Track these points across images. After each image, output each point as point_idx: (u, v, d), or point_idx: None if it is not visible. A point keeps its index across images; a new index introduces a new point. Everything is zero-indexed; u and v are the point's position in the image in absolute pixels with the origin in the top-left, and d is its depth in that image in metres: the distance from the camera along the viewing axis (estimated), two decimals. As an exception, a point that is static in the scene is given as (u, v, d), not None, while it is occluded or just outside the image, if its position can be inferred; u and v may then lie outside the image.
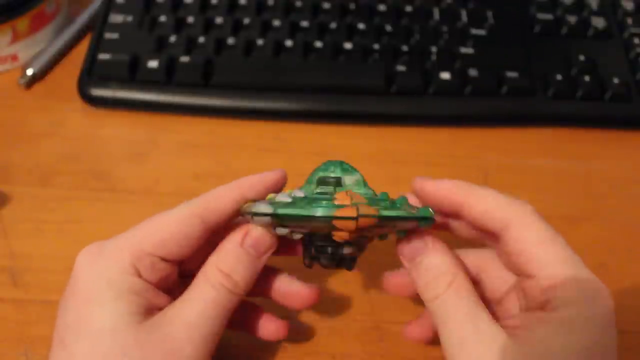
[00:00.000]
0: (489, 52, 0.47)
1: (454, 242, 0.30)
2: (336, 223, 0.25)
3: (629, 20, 0.50)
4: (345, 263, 0.29)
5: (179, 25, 0.47)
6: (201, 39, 0.46)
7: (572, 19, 0.49)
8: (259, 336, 0.32)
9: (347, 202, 0.25)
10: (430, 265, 0.28)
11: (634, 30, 0.49)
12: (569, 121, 0.46)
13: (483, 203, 0.28)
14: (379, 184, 0.40)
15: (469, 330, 0.26)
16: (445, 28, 0.48)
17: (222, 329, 0.28)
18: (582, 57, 0.47)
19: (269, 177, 0.29)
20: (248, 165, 0.43)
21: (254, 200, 0.28)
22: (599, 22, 0.50)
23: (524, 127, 0.46)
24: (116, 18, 0.47)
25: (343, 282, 0.37)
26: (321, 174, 0.28)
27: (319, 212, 0.25)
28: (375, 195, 0.28)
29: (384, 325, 0.35)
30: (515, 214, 0.27)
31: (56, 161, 0.42)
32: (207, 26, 0.47)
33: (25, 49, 0.47)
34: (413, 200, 0.30)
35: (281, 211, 0.25)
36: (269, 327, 0.32)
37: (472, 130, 0.45)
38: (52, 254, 0.37)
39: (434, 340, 0.31)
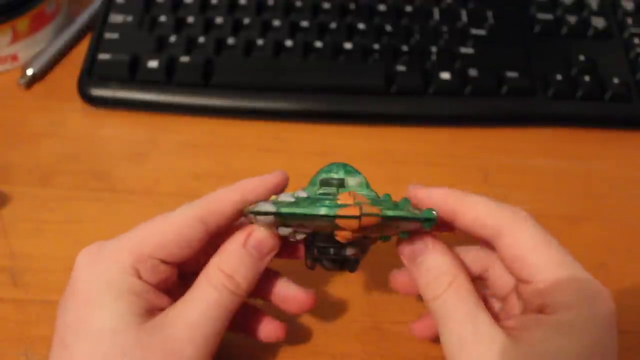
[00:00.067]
0: (489, 52, 0.47)
1: (462, 238, 0.30)
2: (339, 222, 0.25)
3: (629, 20, 0.50)
4: (348, 265, 0.29)
5: (179, 25, 0.47)
6: (201, 39, 0.46)
7: (572, 19, 0.50)
8: (256, 337, 0.32)
9: (350, 202, 0.25)
10: (430, 265, 0.28)
11: (634, 30, 0.49)
12: (569, 121, 0.46)
13: (474, 211, 0.28)
14: (379, 184, 0.40)
15: (468, 330, 0.26)
16: (445, 28, 0.48)
17: (224, 330, 0.28)
18: (582, 57, 0.47)
19: (270, 179, 0.29)
20: (248, 165, 0.43)
21: (257, 202, 0.28)
22: (599, 22, 0.50)
23: (524, 127, 0.46)
24: (116, 18, 0.47)
25: (343, 283, 0.37)
26: (324, 175, 0.28)
27: (322, 211, 0.25)
28: (378, 197, 0.28)
29: (384, 325, 0.35)
30: (506, 220, 0.27)
31: (56, 161, 0.42)
32: (207, 26, 0.47)
33: (25, 49, 0.47)
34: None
35: (284, 210, 0.25)
36: (266, 328, 0.32)
37: (472, 130, 0.45)
38: (52, 254, 0.37)
39: (439, 339, 0.31)
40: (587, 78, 0.46)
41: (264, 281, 0.31)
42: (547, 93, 0.46)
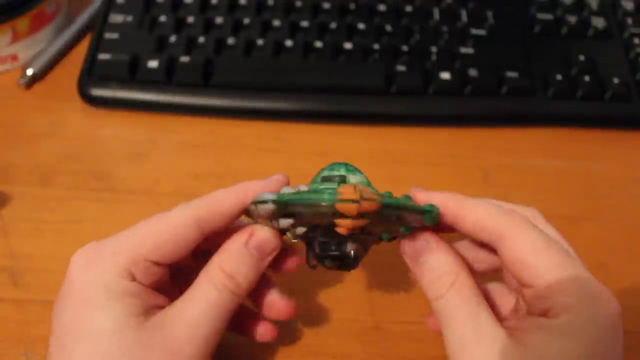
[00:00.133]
0: (489, 52, 0.47)
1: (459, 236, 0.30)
2: (339, 207, 0.25)
3: (629, 20, 0.50)
4: (348, 262, 0.29)
5: (179, 25, 0.47)
6: (201, 39, 0.46)
7: (572, 19, 0.50)
8: (250, 337, 0.32)
9: (351, 189, 0.26)
10: (433, 265, 0.28)
11: (634, 30, 0.49)
12: (569, 121, 0.46)
13: (474, 214, 0.28)
14: (379, 184, 0.40)
15: (470, 330, 0.26)
16: (445, 28, 0.48)
17: (223, 329, 0.28)
18: (582, 57, 0.47)
19: (272, 184, 0.29)
20: (248, 165, 0.43)
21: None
22: (599, 22, 0.50)
23: (524, 127, 0.46)
24: (116, 18, 0.47)
25: (343, 282, 0.37)
26: (326, 173, 0.29)
27: (322, 195, 0.25)
28: (381, 192, 0.28)
29: (384, 325, 0.35)
30: (507, 224, 0.27)
31: (56, 161, 0.42)
32: (207, 26, 0.47)
33: (25, 49, 0.47)
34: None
35: (285, 197, 0.26)
36: (261, 329, 0.32)
37: (472, 130, 0.45)
38: (52, 254, 0.37)
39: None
40: (587, 78, 0.46)
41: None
42: (547, 93, 0.46)
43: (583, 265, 0.27)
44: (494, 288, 0.31)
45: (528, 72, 0.46)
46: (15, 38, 0.45)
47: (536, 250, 0.26)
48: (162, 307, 0.27)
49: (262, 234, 0.28)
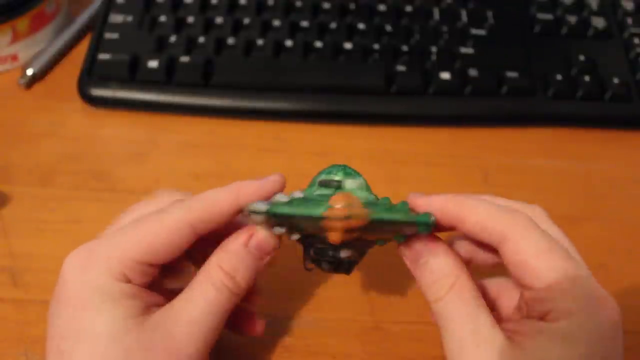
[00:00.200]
0: (489, 52, 0.47)
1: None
2: (326, 223, 0.25)
3: (629, 20, 0.50)
4: (343, 267, 0.29)
5: (179, 25, 0.47)
6: (201, 39, 0.46)
7: (572, 19, 0.50)
8: (235, 331, 0.32)
9: (341, 203, 0.26)
10: (432, 267, 0.27)
11: (634, 30, 0.49)
12: (569, 121, 0.46)
13: (475, 215, 0.27)
14: (379, 184, 0.40)
15: (469, 333, 0.26)
16: (445, 28, 0.48)
17: (221, 328, 0.28)
18: (582, 57, 0.47)
19: (267, 185, 0.28)
20: (248, 165, 0.43)
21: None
22: (599, 22, 0.50)
23: (524, 127, 0.46)
24: (116, 18, 0.47)
25: (343, 282, 0.37)
26: (323, 177, 0.28)
27: (310, 211, 0.25)
28: (377, 199, 0.28)
29: (384, 325, 0.35)
30: (508, 224, 0.27)
31: (56, 161, 0.42)
32: (207, 26, 0.47)
33: (25, 49, 0.47)
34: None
35: (274, 210, 0.26)
36: (246, 323, 0.32)
37: (472, 130, 0.45)
38: (52, 254, 0.37)
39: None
40: (587, 78, 0.46)
41: None
42: (547, 93, 0.46)
43: (585, 266, 0.27)
44: (500, 283, 0.31)
45: (528, 72, 0.46)
46: (15, 38, 0.45)
47: (537, 253, 0.26)
48: (158, 305, 0.27)
49: (262, 234, 0.28)
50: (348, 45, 0.46)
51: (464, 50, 0.47)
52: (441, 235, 0.29)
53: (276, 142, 0.44)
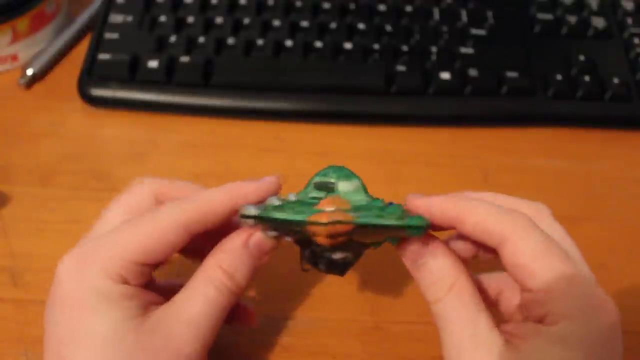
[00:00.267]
0: (489, 52, 0.47)
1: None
2: (310, 228, 0.25)
3: (629, 20, 0.50)
4: (337, 268, 0.29)
5: (179, 25, 0.47)
6: (201, 39, 0.46)
7: (572, 19, 0.50)
8: (231, 324, 0.32)
9: (329, 207, 0.26)
10: (432, 268, 0.27)
11: (634, 30, 0.49)
12: (569, 121, 0.46)
13: (474, 216, 0.27)
14: (379, 184, 0.41)
15: (467, 334, 0.26)
16: (445, 28, 0.48)
17: (220, 327, 0.28)
18: (582, 57, 0.47)
19: (263, 186, 0.28)
20: (248, 165, 0.43)
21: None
22: (599, 22, 0.50)
23: (524, 127, 0.46)
24: (116, 18, 0.47)
25: (343, 282, 0.37)
26: (318, 179, 0.28)
27: (295, 217, 0.25)
28: (370, 202, 0.28)
29: (384, 325, 0.35)
30: (507, 225, 0.26)
31: (56, 161, 0.42)
32: (207, 26, 0.47)
33: (25, 49, 0.47)
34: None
35: (263, 214, 0.26)
36: (239, 314, 0.32)
37: (472, 130, 0.45)
38: (52, 254, 0.37)
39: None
40: (587, 78, 0.46)
41: None
42: (547, 93, 0.46)
43: (586, 266, 0.27)
44: (502, 278, 0.31)
45: (528, 72, 0.46)
46: (15, 38, 0.45)
47: (535, 255, 0.26)
48: (155, 304, 0.27)
49: (262, 234, 0.28)
50: (348, 45, 0.46)
51: (464, 50, 0.47)
52: (440, 233, 0.29)
53: (276, 142, 0.44)
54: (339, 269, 0.29)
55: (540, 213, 0.28)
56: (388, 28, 0.48)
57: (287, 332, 0.35)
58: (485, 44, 0.48)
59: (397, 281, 0.37)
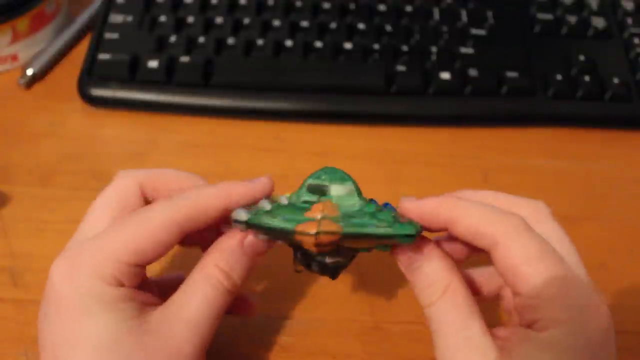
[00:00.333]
0: (489, 52, 0.47)
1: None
2: (298, 238, 0.25)
3: (629, 20, 0.50)
4: (329, 271, 0.29)
5: (179, 25, 0.47)
6: (201, 39, 0.46)
7: (572, 19, 0.50)
8: (230, 313, 0.32)
9: (317, 215, 0.26)
10: (426, 271, 0.27)
11: (634, 30, 0.49)
12: (569, 121, 0.46)
13: (467, 218, 0.26)
14: (379, 184, 0.41)
15: (460, 340, 0.25)
16: (445, 28, 0.48)
17: (217, 325, 0.28)
18: (582, 57, 0.47)
19: (256, 187, 0.28)
20: (248, 165, 0.43)
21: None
22: (599, 22, 0.50)
23: (524, 127, 0.46)
24: (116, 18, 0.47)
25: (343, 282, 0.37)
26: (311, 181, 0.28)
27: (283, 225, 0.25)
28: (362, 207, 0.27)
29: (384, 325, 0.35)
30: (502, 229, 0.26)
31: (56, 161, 0.42)
32: (207, 26, 0.47)
33: (25, 49, 0.47)
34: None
35: (253, 220, 0.26)
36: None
37: (472, 130, 0.45)
38: (52, 254, 0.37)
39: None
40: (587, 78, 0.46)
41: None
42: (547, 93, 0.46)
43: (582, 268, 0.27)
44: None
45: (528, 72, 0.46)
46: (15, 38, 0.46)
47: (528, 258, 0.25)
48: (150, 304, 0.27)
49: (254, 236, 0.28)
50: (348, 45, 0.46)
51: (464, 50, 0.47)
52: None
53: (276, 142, 0.44)
54: (331, 272, 0.29)
55: (538, 212, 0.28)
56: (388, 28, 0.48)
57: (286, 332, 0.35)
58: (485, 44, 0.48)
59: (397, 281, 0.37)
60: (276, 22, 0.47)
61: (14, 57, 0.46)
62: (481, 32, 0.49)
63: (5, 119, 0.44)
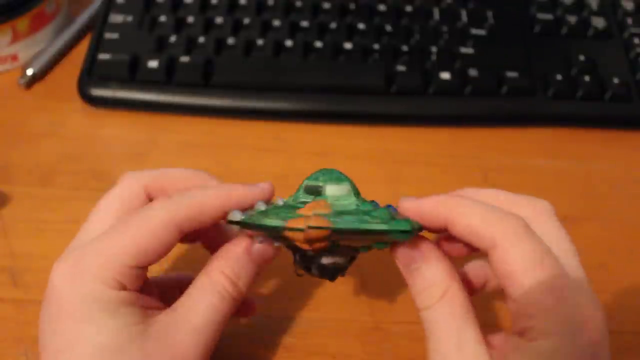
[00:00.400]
0: (489, 52, 0.47)
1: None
2: (288, 234, 0.25)
3: (629, 20, 0.50)
4: (327, 273, 0.29)
5: (179, 25, 0.47)
6: (201, 39, 0.46)
7: (572, 19, 0.50)
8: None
9: (308, 213, 0.26)
10: (424, 274, 0.27)
11: (634, 30, 0.49)
12: (569, 121, 0.46)
13: (466, 218, 0.26)
14: (379, 184, 0.41)
15: (453, 347, 0.25)
16: (445, 28, 0.48)
17: (222, 332, 0.28)
18: (582, 57, 0.47)
19: (255, 191, 0.28)
20: (248, 165, 0.43)
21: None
22: (599, 22, 0.50)
23: (524, 127, 0.46)
24: (116, 18, 0.47)
25: (343, 282, 0.37)
26: (306, 182, 0.28)
27: (273, 223, 0.25)
28: (358, 206, 0.27)
29: (384, 326, 0.35)
30: (501, 230, 0.25)
31: (56, 161, 0.42)
32: (207, 26, 0.47)
33: (25, 49, 0.47)
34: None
35: (246, 220, 0.26)
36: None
37: (472, 130, 0.45)
38: (52, 254, 0.37)
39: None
40: (587, 78, 0.46)
41: None
42: (547, 93, 0.46)
43: (582, 271, 0.26)
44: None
45: (528, 72, 0.46)
46: (15, 38, 0.45)
47: (525, 265, 0.25)
48: (153, 308, 0.27)
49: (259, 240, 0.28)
50: (348, 45, 0.46)
51: (464, 50, 0.47)
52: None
53: (276, 142, 0.44)
54: (330, 274, 0.29)
55: (540, 212, 0.28)
56: (388, 28, 0.48)
57: (287, 332, 0.35)
58: (485, 44, 0.48)
59: (397, 281, 0.36)
60: (276, 22, 0.47)
61: (14, 57, 0.46)
62: (481, 32, 0.49)
63: (5, 119, 0.44)
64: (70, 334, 0.25)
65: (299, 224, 0.25)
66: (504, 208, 0.27)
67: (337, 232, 0.25)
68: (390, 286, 0.37)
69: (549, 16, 0.50)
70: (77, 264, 0.26)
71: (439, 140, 0.45)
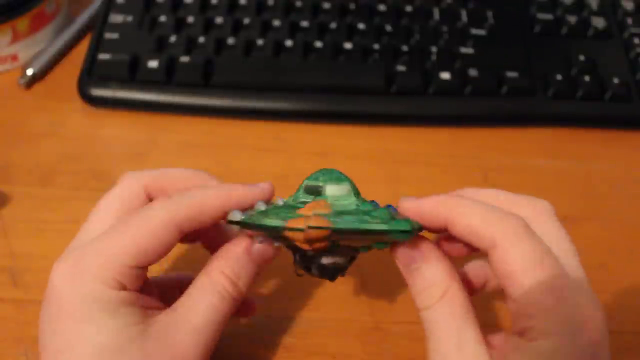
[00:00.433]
0: (489, 52, 0.47)
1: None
2: (288, 234, 0.25)
3: (629, 20, 0.50)
4: (327, 273, 0.29)
5: (179, 25, 0.47)
6: (201, 39, 0.46)
7: (572, 19, 0.50)
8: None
9: (308, 212, 0.26)
10: (424, 274, 0.27)
11: (634, 30, 0.49)
12: (569, 121, 0.46)
13: (467, 218, 0.26)
14: (379, 184, 0.41)
15: (453, 347, 0.25)
16: (445, 28, 0.48)
17: (222, 332, 0.28)
18: (582, 57, 0.47)
19: (256, 191, 0.28)
20: (248, 165, 0.43)
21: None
22: (599, 22, 0.50)
23: (524, 127, 0.46)
24: (116, 18, 0.47)
25: (343, 282, 0.37)
26: (306, 182, 0.28)
27: (272, 223, 0.25)
28: (358, 206, 0.27)
29: (384, 326, 0.35)
30: (501, 231, 0.25)
31: (56, 161, 0.42)
32: (207, 26, 0.47)
33: (25, 49, 0.47)
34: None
35: (245, 220, 0.26)
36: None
37: (472, 130, 0.45)
38: (52, 254, 0.37)
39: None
40: (587, 78, 0.46)
41: None
42: (547, 93, 0.46)
43: (582, 272, 0.26)
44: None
45: (528, 72, 0.46)
46: (15, 38, 0.45)
47: (525, 265, 0.25)
48: (153, 308, 0.27)
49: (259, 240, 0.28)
50: (348, 45, 0.46)
51: (464, 50, 0.47)
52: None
53: (276, 142, 0.44)
54: (330, 274, 0.29)
55: (540, 212, 0.28)
56: (388, 28, 0.48)
57: (287, 332, 0.35)
58: (485, 44, 0.48)
59: (397, 281, 0.36)
60: (276, 22, 0.47)
61: (14, 57, 0.46)
62: (481, 32, 0.49)
63: (5, 119, 0.44)
64: (70, 334, 0.25)
65: (299, 224, 0.25)
66: (504, 208, 0.27)
67: (337, 232, 0.25)
68: (390, 286, 0.37)
69: (549, 16, 0.50)
70: (77, 264, 0.26)
71: (439, 140, 0.45)
